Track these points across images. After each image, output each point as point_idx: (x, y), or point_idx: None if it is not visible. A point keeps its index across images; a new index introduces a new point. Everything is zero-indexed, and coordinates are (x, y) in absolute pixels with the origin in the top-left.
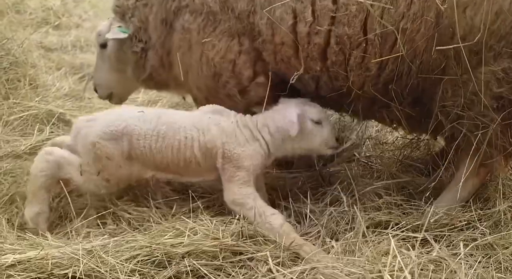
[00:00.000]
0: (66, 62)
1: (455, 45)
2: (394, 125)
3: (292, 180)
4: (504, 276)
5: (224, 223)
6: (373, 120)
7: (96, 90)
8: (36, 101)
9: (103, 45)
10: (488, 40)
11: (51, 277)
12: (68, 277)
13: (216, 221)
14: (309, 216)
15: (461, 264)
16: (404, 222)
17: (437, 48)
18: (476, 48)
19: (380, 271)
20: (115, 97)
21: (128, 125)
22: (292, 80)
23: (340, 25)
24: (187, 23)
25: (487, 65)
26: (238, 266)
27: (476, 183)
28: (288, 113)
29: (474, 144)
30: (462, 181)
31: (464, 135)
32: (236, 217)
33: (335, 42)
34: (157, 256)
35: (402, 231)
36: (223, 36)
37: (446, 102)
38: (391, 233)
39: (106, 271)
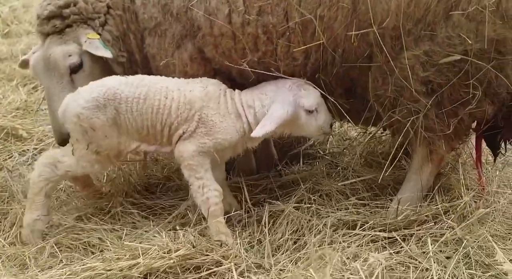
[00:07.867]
0: (17, 72)
1: (360, 31)
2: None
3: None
4: (475, 272)
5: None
6: None
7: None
8: None
9: (77, 68)
10: (405, 24)
11: None
12: None
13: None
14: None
15: (431, 262)
16: (372, 221)
17: (348, 33)
18: (395, 34)
19: None
20: None
21: (109, 90)
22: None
23: (265, 14)
24: (150, 48)
25: (408, 49)
26: None
27: (432, 170)
28: (278, 107)
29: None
30: (417, 168)
31: (401, 123)
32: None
33: (262, 31)
34: None
35: (370, 232)
36: (172, 48)
37: (378, 92)
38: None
39: None
